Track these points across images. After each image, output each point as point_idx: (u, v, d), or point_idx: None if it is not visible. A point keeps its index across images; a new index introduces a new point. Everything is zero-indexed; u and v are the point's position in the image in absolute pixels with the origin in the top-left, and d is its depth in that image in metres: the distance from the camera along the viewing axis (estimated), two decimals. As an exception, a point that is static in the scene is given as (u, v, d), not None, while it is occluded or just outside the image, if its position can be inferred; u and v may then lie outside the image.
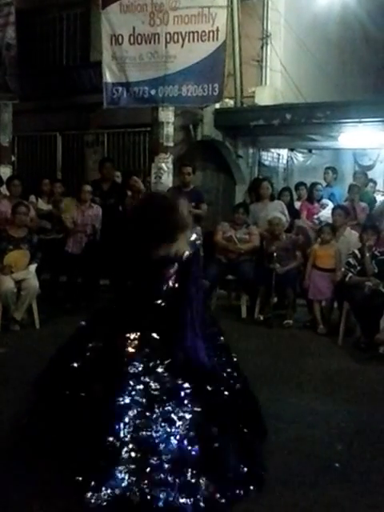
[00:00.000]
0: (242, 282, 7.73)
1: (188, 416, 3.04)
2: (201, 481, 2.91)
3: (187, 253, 3.30)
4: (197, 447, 2.99)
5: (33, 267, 6.97)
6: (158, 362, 3.18)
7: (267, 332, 7.03)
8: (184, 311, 3.25)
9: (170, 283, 3.32)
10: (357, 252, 6.68)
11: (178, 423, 3.02)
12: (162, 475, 2.87)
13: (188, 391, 3.11)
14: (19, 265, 6.87)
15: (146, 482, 2.85)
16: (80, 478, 3.00)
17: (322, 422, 4.32)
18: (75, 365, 3.37)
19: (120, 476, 2.88)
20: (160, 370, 3.15)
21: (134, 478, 2.86)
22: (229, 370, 3.54)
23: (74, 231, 7.95)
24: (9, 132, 9.99)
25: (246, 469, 3.11)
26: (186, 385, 3.12)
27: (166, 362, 3.17)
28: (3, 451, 3.68)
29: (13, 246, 6.93)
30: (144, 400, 3.07)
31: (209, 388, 3.22)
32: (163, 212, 3.27)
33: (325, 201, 8.92)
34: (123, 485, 2.85)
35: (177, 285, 3.33)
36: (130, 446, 2.95)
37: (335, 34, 12.86)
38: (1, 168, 9.67)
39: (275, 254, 7.31)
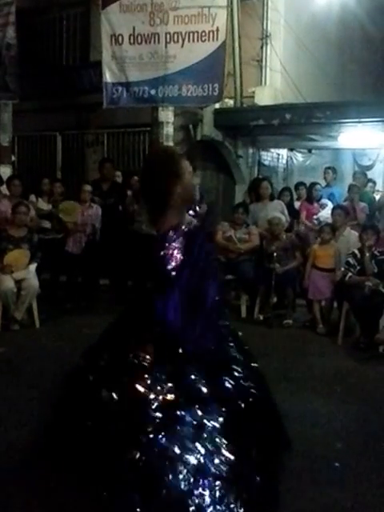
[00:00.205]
0: (242, 282, 7.74)
1: (211, 422, 2.86)
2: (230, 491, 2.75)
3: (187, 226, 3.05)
4: (222, 457, 2.80)
5: (33, 267, 6.97)
6: (175, 367, 2.94)
7: (267, 332, 7.04)
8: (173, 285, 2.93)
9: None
10: (356, 252, 6.69)
11: (201, 430, 2.83)
12: (189, 487, 2.71)
13: (209, 396, 2.90)
14: (19, 264, 6.87)
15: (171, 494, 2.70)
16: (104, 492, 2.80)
17: (321, 421, 4.33)
18: (92, 375, 3.14)
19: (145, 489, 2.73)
20: (176, 374, 2.93)
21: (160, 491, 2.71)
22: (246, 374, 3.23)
23: (73, 231, 7.95)
24: (9, 132, 9.99)
25: (259, 479, 2.88)
26: (205, 390, 2.90)
27: (180, 365, 2.95)
28: (2, 450, 3.70)
29: (13, 245, 6.93)
30: (163, 408, 2.86)
31: (228, 385, 3.00)
32: (162, 157, 3.12)
33: (324, 201, 8.92)
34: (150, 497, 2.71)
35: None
36: (153, 458, 2.78)
37: (335, 34, 12.89)
38: (1, 168, 9.67)
39: (275, 254, 7.32)
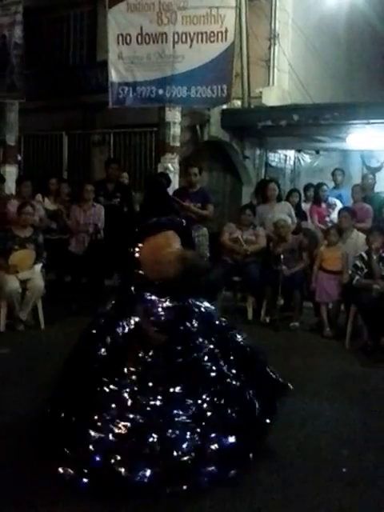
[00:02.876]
0: (249, 284, 7.68)
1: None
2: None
3: None
4: None
5: (38, 267, 6.96)
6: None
7: (273, 334, 6.98)
8: None
9: None
10: (364, 254, 6.63)
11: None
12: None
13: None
14: (24, 264, 6.85)
15: None
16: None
17: (328, 425, 4.28)
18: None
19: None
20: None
21: None
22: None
23: (76, 231, 7.93)
24: (15, 131, 9.95)
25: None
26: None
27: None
28: (4, 449, 3.67)
29: (18, 245, 6.91)
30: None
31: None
32: None
33: (332, 200, 8.84)
34: None
35: None
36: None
37: (343, 35, 12.80)
38: (7, 167, 9.65)
39: (282, 256, 7.27)
